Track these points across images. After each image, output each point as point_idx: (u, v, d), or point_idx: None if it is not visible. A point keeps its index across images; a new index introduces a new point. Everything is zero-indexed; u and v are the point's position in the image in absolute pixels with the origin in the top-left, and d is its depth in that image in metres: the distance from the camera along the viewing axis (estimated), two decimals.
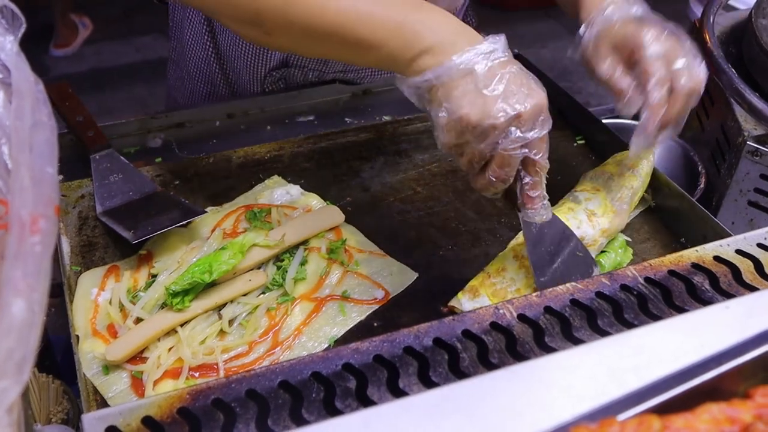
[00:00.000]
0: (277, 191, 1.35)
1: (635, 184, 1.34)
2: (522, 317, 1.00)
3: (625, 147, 1.42)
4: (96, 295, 1.18)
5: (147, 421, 0.86)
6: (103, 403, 1.04)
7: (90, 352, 1.10)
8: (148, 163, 1.42)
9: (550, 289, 1.04)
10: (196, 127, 1.54)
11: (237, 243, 1.16)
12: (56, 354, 1.33)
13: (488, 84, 0.99)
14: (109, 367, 1.08)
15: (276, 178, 1.40)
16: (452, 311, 1.18)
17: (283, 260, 1.21)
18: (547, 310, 1.02)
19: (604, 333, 0.99)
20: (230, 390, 0.89)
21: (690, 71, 1.19)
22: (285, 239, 1.20)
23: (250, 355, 1.10)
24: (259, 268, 1.19)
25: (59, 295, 1.19)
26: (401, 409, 0.76)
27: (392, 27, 0.99)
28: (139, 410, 0.86)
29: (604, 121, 1.54)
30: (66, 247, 1.25)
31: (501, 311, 1.00)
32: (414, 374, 0.93)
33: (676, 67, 1.18)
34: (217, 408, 0.88)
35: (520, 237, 1.25)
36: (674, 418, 0.65)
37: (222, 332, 1.13)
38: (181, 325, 1.12)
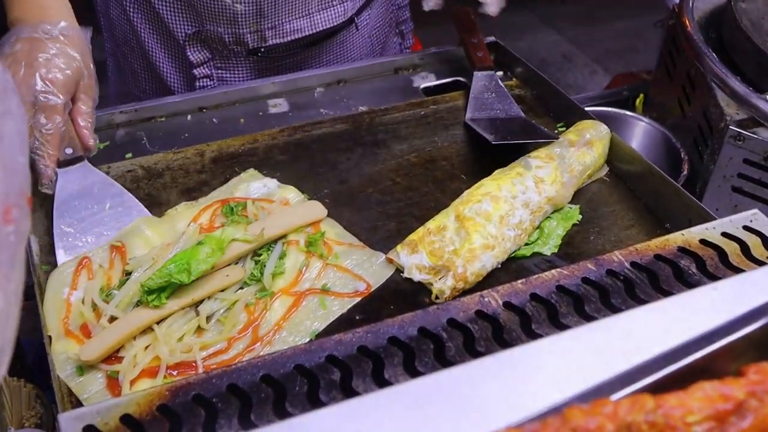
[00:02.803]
0: (254, 184, 1.34)
1: (587, 160, 1.37)
2: (508, 305, 1.01)
3: (587, 117, 1.48)
4: (68, 294, 1.17)
5: (125, 419, 0.85)
6: (78, 405, 1.03)
7: (63, 353, 1.09)
8: (117, 159, 1.41)
9: (536, 276, 1.05)
10: (166, 121, 1.53)
11: (215, 238, 1.16)
12: (28, 358, 1.32)
13: None
14: (83, 368, 1.07)
15: (252, 171, 1.40)
16: (390, 262, 1.23)
17: (260, 255, 1.21)
18: (534, 297, 1.02)
19: (591, 319, 1.00)
20: (211, 385, 0.89)
21: None
22: (264, 233, 1.20)
23: (229, 351, 1.10)
24: (236, 263, 1.19)
25: (30, 298, 1.17)
26: (387, 399, 0.76)
27: None
28: (117, 408, 0.86)
29: (586, 109, 1.55)
30: (35, 247, 1.24)
31: (486, 299, 1.01)
32: (399, 364, 0.93)
33: None
34: (197, 404, 0.88)
35: (463, 196, 1.28)
36: (667, 396, 0.66)
37: (200, 329, 1.13)
38: (158, 323, 1.11)
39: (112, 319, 1.12)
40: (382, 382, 0.91)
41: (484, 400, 0.73)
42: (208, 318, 1.13)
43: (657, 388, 0.68)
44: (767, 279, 0.83)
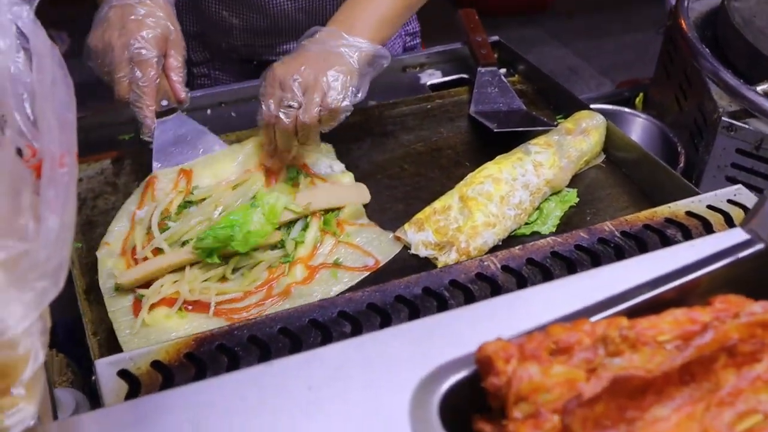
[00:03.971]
0: (323, 161, 1.46)
1: (584, 147, 1.47)
2: (506, 268, 1.11)
3: (584, 108, 1.57)
4: (133, 213, 1.33)
5: (156, 364, 0.95)
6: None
7: (110, 268, 1.25)
8: (143, 147, 1.52)
9: (531, 243, 1.14)
10: (189, 115, 1.63)
11: (270, 205, 1.27)
12: (59, 336, 1.41)
13: None
14: (119, 287, 1.22)
15: (328, 146, 1.51)
16: (398, 239, 1.32)
17: (293, 223, 1.32)
18: (530, 261, 1.12)
19: None
20: (233, 336, 0.99)
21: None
22: (311, 206, 1.31)
23: (243, 301, 1.22)
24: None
25: None
26: (391, 336, 0.84)
27: None
28: (148, 355, 0.95)
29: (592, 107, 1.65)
30: None
31: (486, 263, 1.11)
32: (405, 319, 1.03)
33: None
34: (221, 352, 0.97)
35: (467, 178, 1.38)
36: (641, 320, 0.75)
37: (225, 278, 1.25)
38: (191, 265, 1.24)
39: (158, 251, 1.27)
40: None
41: (479, 331, 0.82)
42: (234, 270, 1.25)
43: (631, 314, 0.77)
44: (737, 233, 0.91)
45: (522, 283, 1.09)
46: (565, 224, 1.38)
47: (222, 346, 0.98)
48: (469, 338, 0.80)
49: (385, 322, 1.02)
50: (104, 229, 1.33)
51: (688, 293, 0.82)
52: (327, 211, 1.35)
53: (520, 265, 1.11)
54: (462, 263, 1.10)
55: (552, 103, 1.69)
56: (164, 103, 1.44)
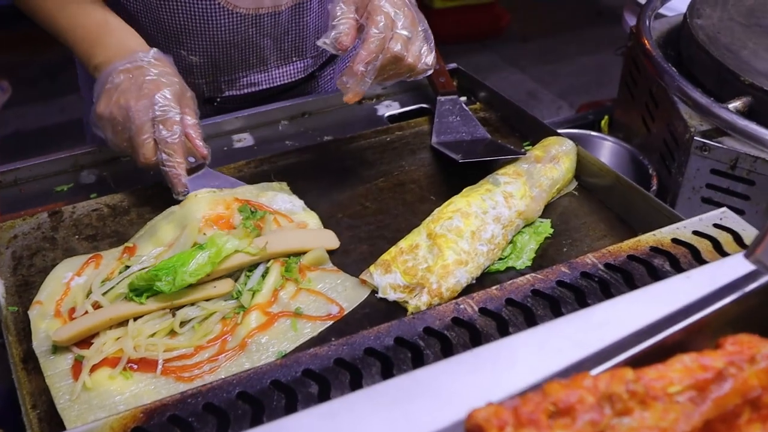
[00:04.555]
0: (281, 197, 1.37)
1: (555, 175, 1.40)
2: (484, 311, 1.02)
3: (552, 134, 1.50)
4: (70, 279, 1.24)
5: None
6: None
7: (45, 330, 1.15)
8: (83, 199, 1.42)
9: (510, 281, 1.06)
10: (131, 161, 1.53)
11: (217, 246, 1.18)
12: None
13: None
14: (57, 348, 1.12)
15: (283, 184, 1.43)
16: (364, 283, 1.23)
17: (251, 269, 1.23)
18: (509, 302, 1.04)
19: None
20: (186, 405, 0.89)
21: (409, 44, 1.31)
22: (267, 248, 1.22)
23: (193, 357, 1.12)
24: (230, 275, 1.21)
25: None
26: (364, 398, 0.76)
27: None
28: None
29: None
30: (0, 288, 1.23)
31: (462, 306, 1.02)
32: (378, 374, 0.93)
33: (397, 31, 1.30)
34: (173, 424, 0.87)
35: (434, 214, 1.30)
36: (647, 369, 0.67)
37: (173, 332, 1.15)
38: (135, 319, 1.15)
39: (98, 307, 1.17)
40: None
41: (463, 391, 0.73)
42: (183, 323, 1.16)
43: (635, 363, 0.69)
44: (740, 263, 0.84)
45: (503, 326, 1.00)
46: (541, 257, 1.30)
47: (175, 417, 0.88)
48: (452, 399, 0.72)
49: (355, 379, 0.93)
50: None
51: (694, 334, 0.74)
52: (289, 255, 1.26)
53: (499, 306, 1.02)
54: (436, 308, 1.01)
55: (517, 130, 1.62)
56: (191, 160, 1.38)
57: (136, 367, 1.11)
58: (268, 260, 1.24)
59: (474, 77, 1.73)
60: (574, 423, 0.61)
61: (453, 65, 1.75)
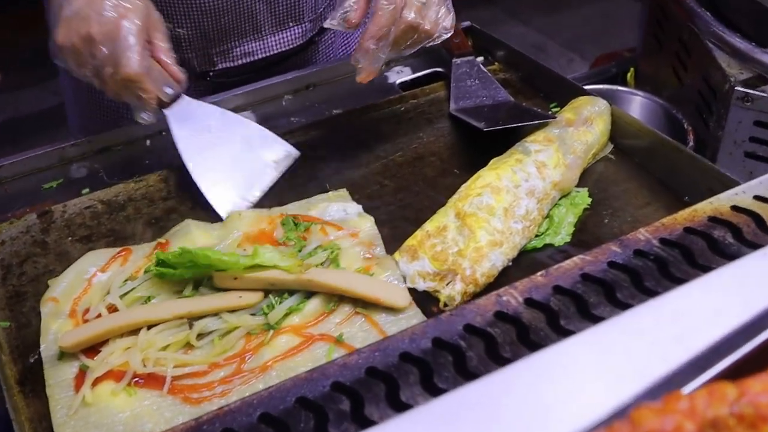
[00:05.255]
0: (334, 206, 1.23)
1: (590, 139, 1.29)
2: (529, 301, 0.91)
3: (581, 93, 1.38)
4: (92, 274, 1.14)
5: None
6: None
7: (55, 332, 1.07)
8: (73, 195, 1.31)
9: (556, 266, 0.95)
10: (124, 150, 1.43)
11: (255, 253, 1.07)
12: None
13: None
14: (64, 354, 1.04)
15: (342, 192, 1.28)
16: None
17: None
18: (557, 289, 0.92)
19: (625, 306, 0.90)
20: None
21: (424, 9, 1.23)
22: (310, 279, 1.08)
23: (206, 377, 1.01)
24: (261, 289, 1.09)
25: None
26: (409, 424, 0.66)
27: None
28: None
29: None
30: None
31: (504, 298, 0.91)
32: (416, 383, 0.83)
33: None
34: None
35: (461, 191, 1.19)
36: (749, 382, 0.56)
37: (190, 345, 1.05)
38: (149, 328, 1.05)
39: (115, 311, 1.08)
40: (400, 406, 0.80)
41: (524, 412, 0.63)
42: (201, 335, 1.05)
43: (731, 374, 0.58)
44: None
45: (552, 319, 0.89)
46: (581, 231, 1.20)
47: None
48: (514, 425, 0.61)
49: (392, 390, 0.82)
50: (35, 302, 1.12)
51: None
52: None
53: (546, 296, 0.91)
54: (475, 302, 0.90)
55: (541, 90, 1.50)
56: (168, 90, 1.26)
57: (141, 382, 1.01)
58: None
59: (491, 35, 1.61)
60: None
61: (467, 23, 1.63)
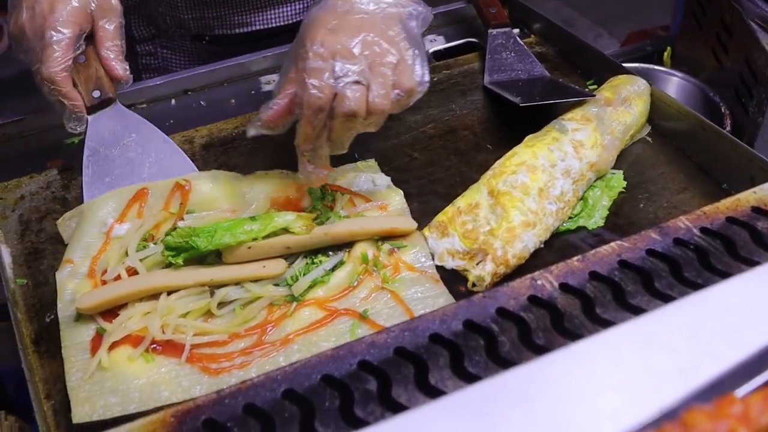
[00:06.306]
0: (362, 176, 1.21)
1: (628, 120, 1.26)
2: (565, 287, 0.89)
3: (620, 71, 1.35)
4: (110, 227, 1.12)
5: None
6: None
7: (72, 292, 1.05)
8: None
9: (593, 251, 0.92)
10: (149, 108, 1.40)
11: (269, 217, 1.05)
12: (8, 386, 1.20)
13: None
14: (81, 315, 1.02)
15: (371, 162, 1.26)
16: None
17: (317, 257, 1.09)
18: (593, 275, 0.90)
19: (664, 297, 0.88)
20: (224, 407, 0.77)
21: (372, 84, 1.03)
22: (329, 233, 1.08)
23: (226, 346, 1.00)
24: (286, 257, 1.08)
25: (4, 318, 1.05)
26: (443, 411, 0.64)
27: None
28: None
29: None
30: (7, 258, 1.12)
31: (539, 282, 0.89)
32: (446, 366, 0.81)
33: (342, 80, 1.02)
34: (210, 431, 0.76)
35: (495, 168, 1.17)
36: None
37: (211, 313, 1.03)
38: (170, 293, 1.03)
39: (133, 273, 1.06)
40: (428, 389, 0.79)
41: (564, 405, 0.61)
42: (222, 304, 1.04)
43: None
44: None
45: (588, 305, 0.87)
46: (615, 214, 1.17)
47: (210, 422, 0.76)
48: (555, 418, 0.59)
49: (420, 372, 0.80)
50: (54, 260, 1.11)
51: None
52: (377, 242, 1.11)
53: (582, 281, 0.89)
54: (509, 285, 0.88)
55: (578, 66, 1.47)
56: (96, 94, 1.19)
57: (160, 349, 1.00)
58: (340, 250, 1.10)
59: (527, 6, 1.58)
60: None
61: None
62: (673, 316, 0.71)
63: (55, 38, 1.12)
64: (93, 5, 1.16)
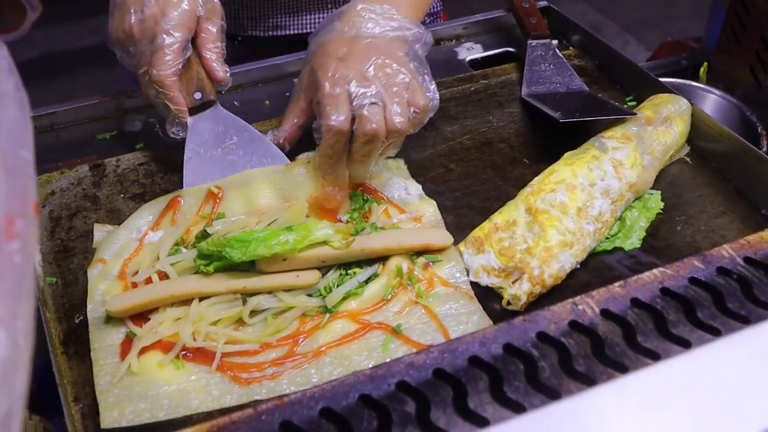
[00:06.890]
0: (396, 182, 1.21)
1: (668, 140, 1.25)
2: (606, 313, 0.88)
3: (662, 90, 1.34)
4: (143, 233, 1.13)
5: None
6: None
7: (103, 293, 1.05)
8: (127, 150, 1.28)
9: (635, 277, 0.91)
10: None
11: (305, 229, 1.04)
12: (32, 383, 1.19)
13: None
14: (111, 318, 1.02)
15: (401, 163, 1.26)
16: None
17: (351, 269, 1.08)
18: (635, 302, 0.89)
19: (707, 327, 0.87)
20: (260, 424, 0.77)
21: (388, 105, 1.10)
22: (362, 249, 1.07)
23: (257, 356, 1.00)
24: (320, 268, 1.07)
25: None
26: None
27: None
28: None
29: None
30: (37, 255, 1.11)
31: (580, 307, 0.88)
32: (485, 390, 0.80)
33: (361, 104, 1.10)
34: None
35: (533, 185, 1.16)
36: None
37: (240, 321, 1.03)
38: (201, 299, 1.03)
39: (165, 277, 1.06)
40: (467, 413, 0.78)
41: None
42: (254, 313, 1.04)
43: None
44: None
45: (629, 333, 0.86)
46: (652, 236, 1.16)
47: None
48: None
49: (459, 395, 0.79)
50: (83, 258, 1.10)
51: None
52: (412, 255, 1.10)
53: (623, 308, 0.88)
54: (550, 309, 0.87)
55: (618, 82, 1.46)
56: (197, 96, 1.20)
57: (190, 356, 0.99)
58: (375, 263, 1.09)
59: (568, 17, 1.56)
60: None
61: (543, 2, 1.58)
62: (725, 352, 0.70)
63: (167, 42, 1.14)
64: (201, 8, 1.18)
